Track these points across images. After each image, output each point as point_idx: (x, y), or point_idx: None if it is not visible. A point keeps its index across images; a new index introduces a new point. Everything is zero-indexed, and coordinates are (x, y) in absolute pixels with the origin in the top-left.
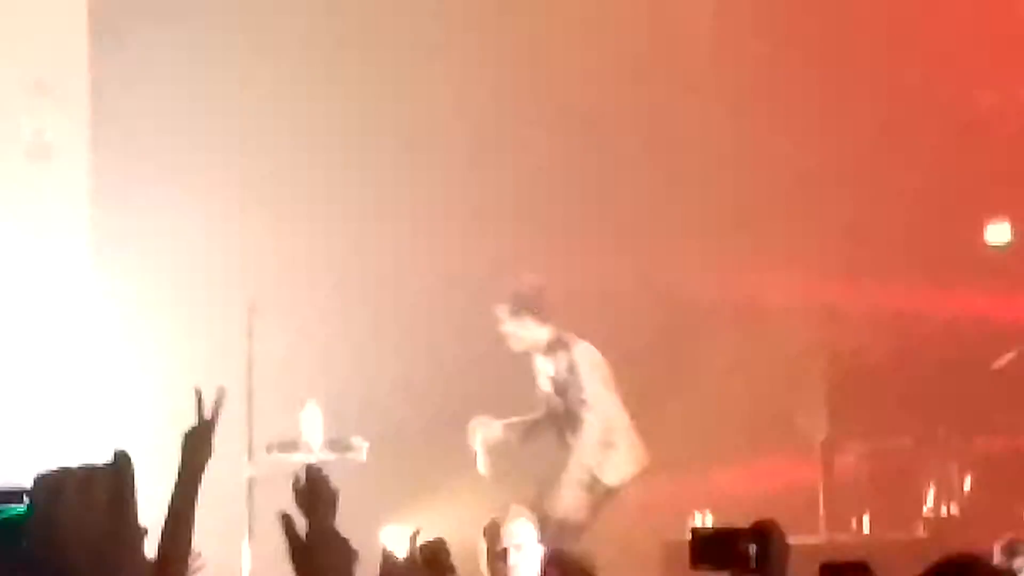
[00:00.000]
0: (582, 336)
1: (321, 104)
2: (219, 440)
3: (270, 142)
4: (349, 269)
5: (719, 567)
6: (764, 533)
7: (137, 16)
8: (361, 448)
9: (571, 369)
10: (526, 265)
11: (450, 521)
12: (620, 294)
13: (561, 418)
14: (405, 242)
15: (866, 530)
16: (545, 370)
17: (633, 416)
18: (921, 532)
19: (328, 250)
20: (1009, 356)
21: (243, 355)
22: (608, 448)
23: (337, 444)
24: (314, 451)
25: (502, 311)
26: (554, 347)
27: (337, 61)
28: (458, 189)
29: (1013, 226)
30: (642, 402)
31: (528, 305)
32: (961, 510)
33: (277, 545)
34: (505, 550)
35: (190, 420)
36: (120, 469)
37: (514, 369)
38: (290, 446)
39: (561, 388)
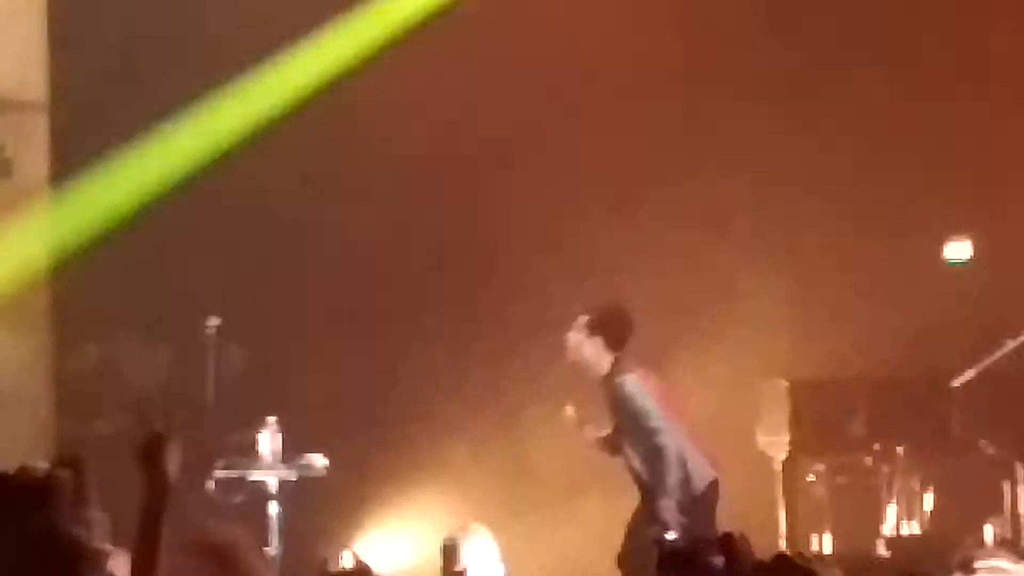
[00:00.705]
0: None
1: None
2: (185, 452)
3: (235, 157)
4: (313, 285)
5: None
6: (731, 546)
7: (98, 32)
8: (320, 466)
9: (627, 398)
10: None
11: (409, 540)
12: None
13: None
14: (367, 259)
15: (827, 549)
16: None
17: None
18: (882, 551)
19: (291, 266)
20: (968, 374)
21: (203, 371)
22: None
23: (296, 461)
24: (273, 468)
25: (580, 320)
26: (610, 381)
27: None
28: (420, 209)
29: (973, 243)
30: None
31: (606, 330)
32: (922, 528)
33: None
34: (463, 570)
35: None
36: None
37: (478, 387)
38: (248, 463)
39: (622, 416)
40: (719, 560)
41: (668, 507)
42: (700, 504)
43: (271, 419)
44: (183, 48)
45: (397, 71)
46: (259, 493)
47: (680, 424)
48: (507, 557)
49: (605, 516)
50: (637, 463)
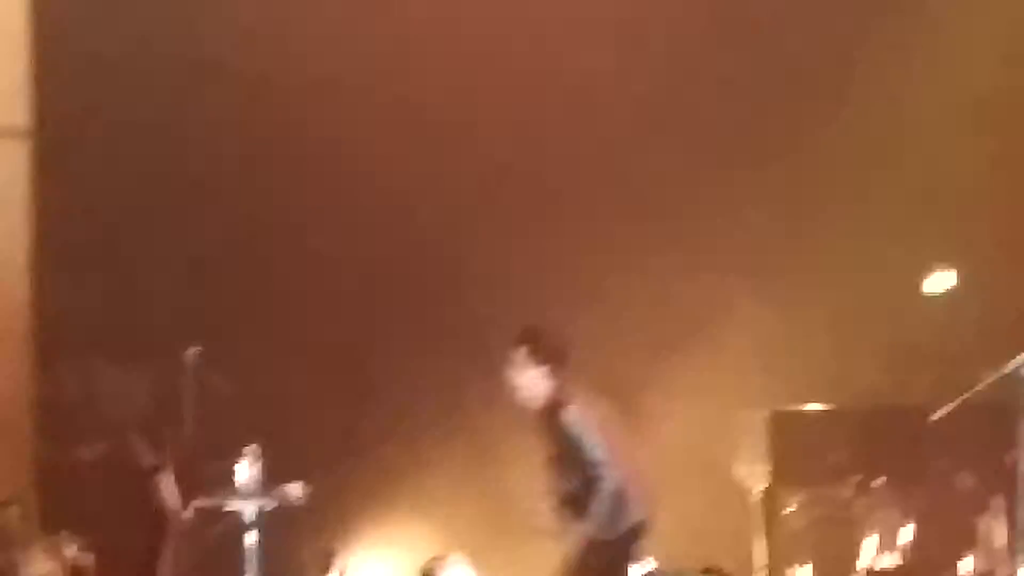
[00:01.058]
0: None
1: (272, 131)
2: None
3: (220, 180)
4: (293, 313)
5: None
6: None
7: (81, 60)
8: (298, 494)
9: (570, 426)
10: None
11: (388, 568)
12: None
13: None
14: (348, 288)
15: None
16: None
17: None
18: None
19: (271, 294)
20: (947, 408)
21: (182, 399)
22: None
23: (274, 490)
24: (251, 496)
25: (520, 350)
26: (554, 411)
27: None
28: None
29: (952, 273)
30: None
31: (549, 358)
32: (901, 560)
33: None
34: None
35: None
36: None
37: (457, 415)
38: (227, 491)
39: (564, 447)
40: None
41: (584, 534)
42: (622, 542)
43: (249, 448)
44: (166, 75)
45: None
46: (237, 522)
47: (619, 458)
48: None
49: None
50: (569, 491)
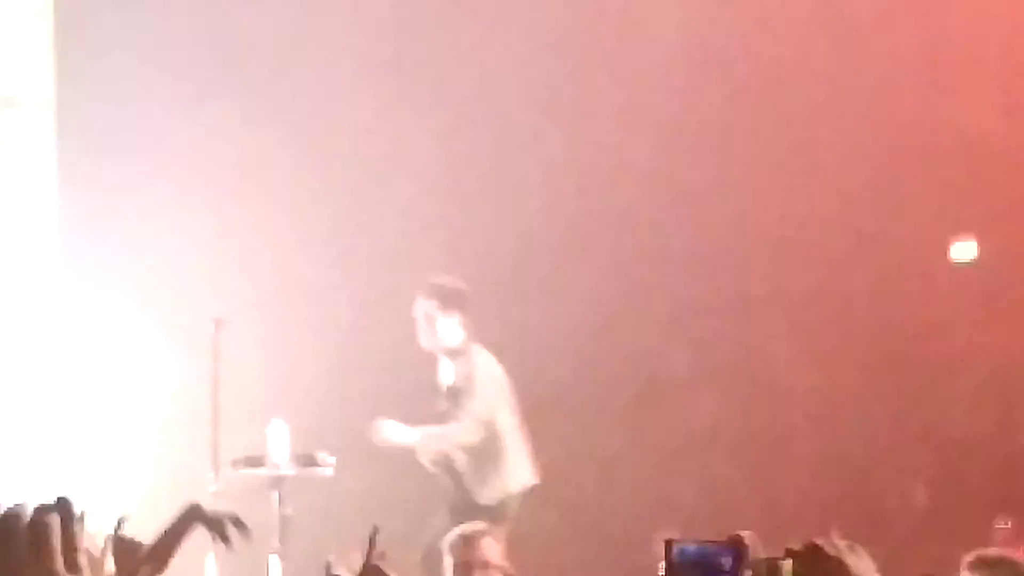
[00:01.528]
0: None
1: (292, 111)
2: (186, 455)
3: (239, 150)
4: (318, 282)
5: None
6: (741, 546)
7: (104, 32)
8: (328, 463)
9: (468, 377)
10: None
11: (416, 538)
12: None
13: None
14: (375, 257)
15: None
16: (446, 373)
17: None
18: None
19: (296, 262)
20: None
21: (210, 369)
22: (486, 465)
23: (304, 459)
24: (280, 466)
25: (430, 305)
26: (459, 352)
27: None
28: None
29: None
30: (608, 410)
31: (457, 304)
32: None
33: (241, 560)
34: (469, 567)
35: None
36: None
37: None
38: (256, 461)
39: (454, 394)
40: (727, 561)
41: (425, 444)
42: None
43: (278, 418)
44: (191, 47)
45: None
46: (266, 492)
47: (505, 419)
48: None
49: (608, 513)
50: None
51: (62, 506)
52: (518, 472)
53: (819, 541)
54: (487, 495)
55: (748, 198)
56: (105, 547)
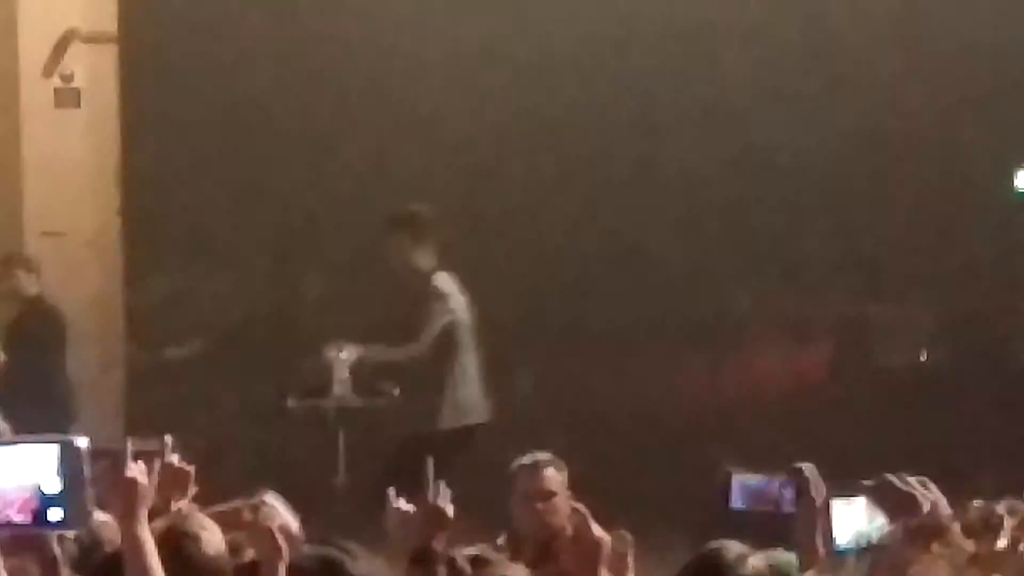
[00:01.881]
0: None
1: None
2: (253, 381)
3: (303, 102)
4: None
5: (755, 509)
6: (801, 478)
7: None
8: (392, 393)
9: (426, 302)
10: None
11: (478, 468)
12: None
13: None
14: (436, 186)
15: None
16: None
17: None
18: None
19: (363, 191)
20: None
21: (274, 297)
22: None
23: (368, 389)
24: (345, 395)
25: (400, 236)
26: (425, 281)
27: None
28: None
29: None
30: (678, 351)
31: (428, 232)
32: None
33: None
34: (532, 496)
35: None
36: None
37: (543, 321)
38: (321, 390)
39: (409, 315)
40: (788, 493)
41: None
42: (447, 439)
43: (344, 346)
44: None
45: None
46: (330, 421)
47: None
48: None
49: (671, 441)
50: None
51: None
52: (471, 406)
53: (891, 477)
54: (439, 422)
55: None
56: None
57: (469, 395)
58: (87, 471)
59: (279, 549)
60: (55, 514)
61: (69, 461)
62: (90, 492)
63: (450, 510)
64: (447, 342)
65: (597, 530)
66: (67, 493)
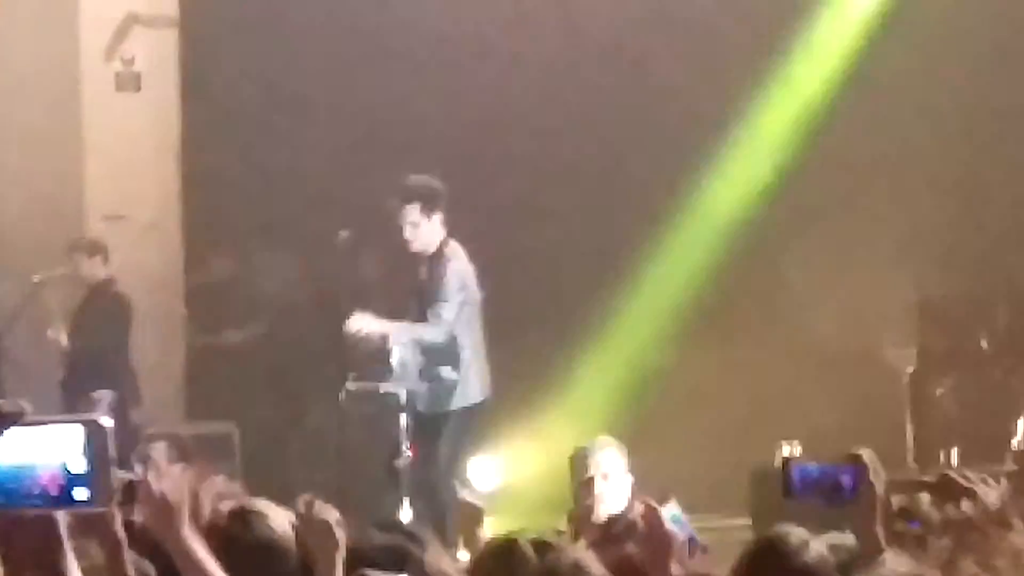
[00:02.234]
0: None
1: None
2: (317, 362)
3: (362, 85)
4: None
5: (813, 497)
6: (860, 464)
7: None
8: (451, 377)
9: (441, 279)
10: None
11: (540, 451)
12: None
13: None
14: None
15: (954, 463)
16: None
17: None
18: (1010, 464)
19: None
20: None
21: (333, 278)
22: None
23: (428, 373)
24: (405, 379)
25: (412, 208)
26: (437, 253)
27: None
28: None
29: None
30: (733, 333)
31: (438, 203)
32: None
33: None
34: (591, 479)
35: None
36: None
37: (604, 299)
38: (382, 373)
39: (424, 291)
40: (848, 479)
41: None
42: (456, 419)
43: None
44: None
45: None
46: (390, 404)
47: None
48: (634, 468)
49: (729, 425)
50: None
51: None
52: (474, 385)
53: (951, 472)
54: (446, 403)
55: None
56: None
57: (485, 369)
58: (112, 451)
59: (336, 542)
60: (81, 493)
61: (95, 440)
62: (115, 472)
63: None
64: (465, 316)
65: (667, 524)
66: (92, 473)
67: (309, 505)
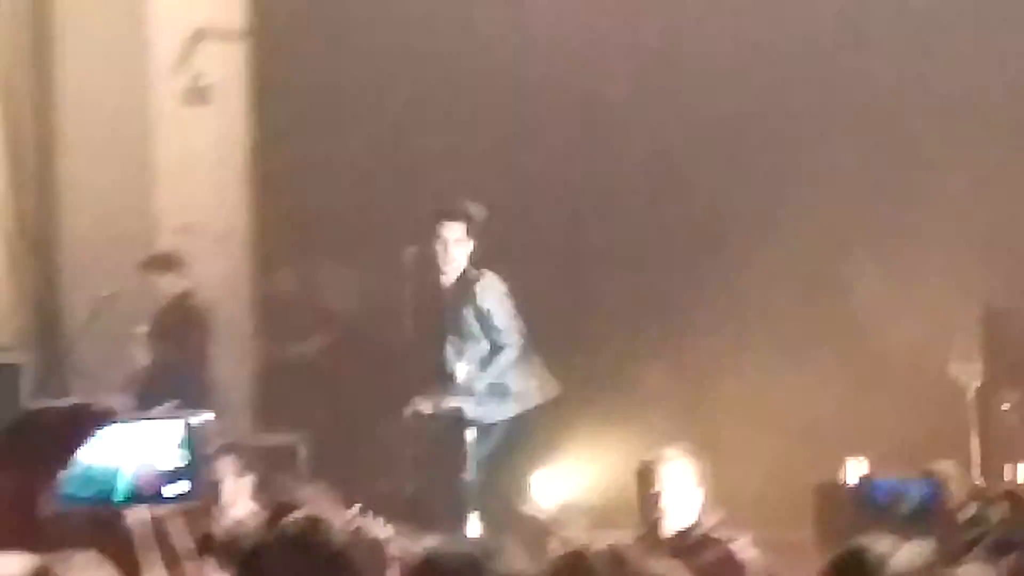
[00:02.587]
0: None
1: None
2: (380, 377)
3: (433, 96)
4: (515, 211)
5: (890, 512)
6: (934, 481)
7: None
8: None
9: (494, 301)
10: None
11: (607, 464)
12: None
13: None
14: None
15: (1020, 479)
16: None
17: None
18: None
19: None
20: None
21: (401, 291)
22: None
23: (496, 388)
24: (474, 395)
25: (458, 226)
26: (480, 276)
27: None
28: None
29: None
30: (797, 345)
31: (478, 230)
32: None
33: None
34: (658, 493)
35: None
36: None
37: (677, 311)
38: (451, 388)
39: (482, 318)
40: (924, 493)
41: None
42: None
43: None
44: None
45: None
46: (456, 419)
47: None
48: (704, 480)
49: (793, 440)
50: (466, 359)
51: None
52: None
53: (1016, 488)
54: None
55: None
56: None
57: (544, 374)
58: (208, 447)
59: (385, 561)
60: (179, 487)
61: (194, 436)
62: (210, 466)
63: None
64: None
65: (744, 550)
66: (193, 467)
67: (357, 521)
